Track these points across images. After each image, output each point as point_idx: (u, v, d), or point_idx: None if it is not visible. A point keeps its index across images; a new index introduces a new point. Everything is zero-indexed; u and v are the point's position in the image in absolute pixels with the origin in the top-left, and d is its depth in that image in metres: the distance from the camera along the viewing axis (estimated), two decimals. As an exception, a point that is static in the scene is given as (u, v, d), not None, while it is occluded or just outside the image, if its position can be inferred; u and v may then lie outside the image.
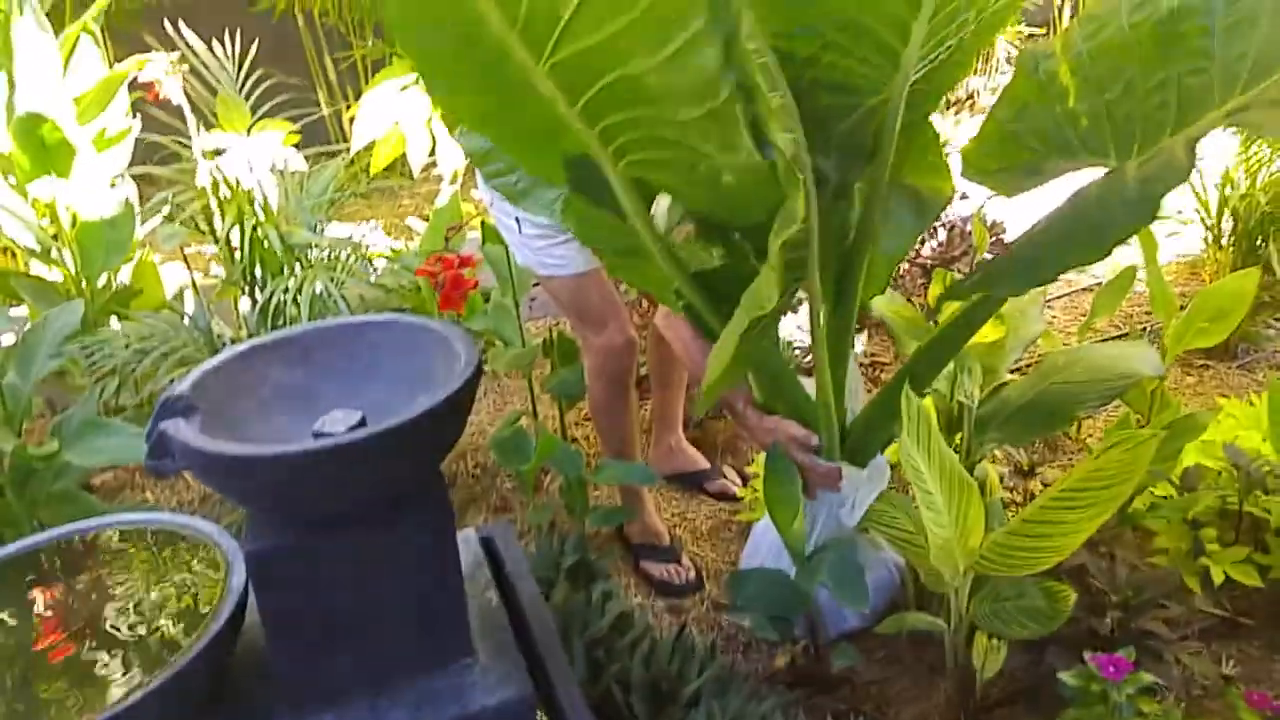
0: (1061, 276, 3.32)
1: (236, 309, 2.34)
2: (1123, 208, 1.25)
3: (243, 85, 2.89)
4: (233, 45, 2.84)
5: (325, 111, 4.01)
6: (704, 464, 2.34)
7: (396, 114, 3.14)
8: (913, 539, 1.50)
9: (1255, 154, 2.81)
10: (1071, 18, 4.89)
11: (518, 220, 1.82)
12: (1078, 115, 1.29)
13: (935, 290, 1.76)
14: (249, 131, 3.12)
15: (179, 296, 2.60)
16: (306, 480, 1.02)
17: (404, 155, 3.26)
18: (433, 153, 3.26)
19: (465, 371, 1.12)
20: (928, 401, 1.71)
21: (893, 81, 1.33)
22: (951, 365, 1.62)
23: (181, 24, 2.87)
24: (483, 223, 2.00)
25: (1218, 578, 1.66)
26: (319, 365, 1.23)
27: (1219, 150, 3.07)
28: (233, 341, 2.05)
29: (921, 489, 1.37)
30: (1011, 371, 1.87)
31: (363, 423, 1.11)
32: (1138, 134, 1.28)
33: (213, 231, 2.26)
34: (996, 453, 2.17)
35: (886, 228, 1.46)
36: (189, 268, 2.57)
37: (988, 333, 1.56)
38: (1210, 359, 2.73)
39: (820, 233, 1.33)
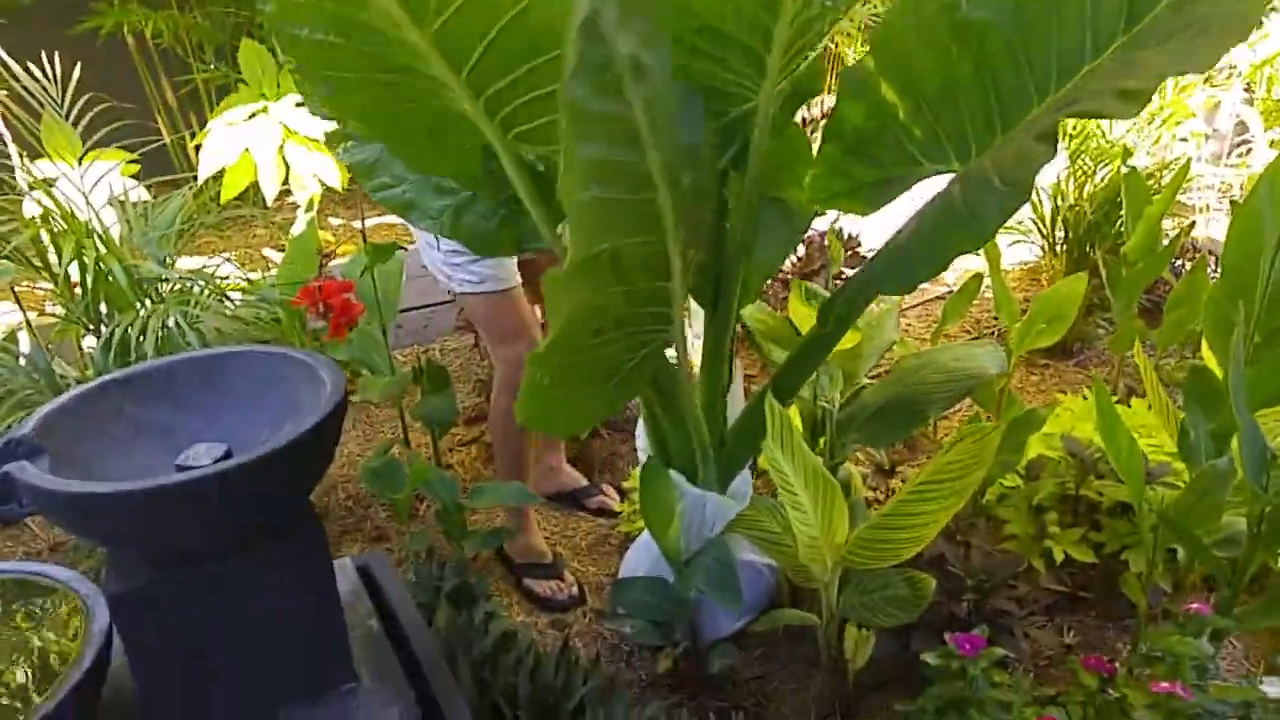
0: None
1: (80, 347, 2.25)
2: (993, 196, 1.36)
3: (70, 111, 2.77)
4: (54, 68, 2.71)
5: (166, 139, 3.88)
6: (583, 482, 2.40)
7: (247, 141, 3.08)
8: (780, 539, 1.59)
9: (1080, 165, 3.09)
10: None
11: (436, 237, 1.87)
12: (910, 128, 1.39)
13: (795, 302, 1.87)
14: (80, 160, 3.00)
15: (11, 337, 2.46)
16: (172, 515, 1.01)
17: (255, 184, 3.19)
18: (286, 181, 3.21)
19: (332, 398, 1.14)
20: (792, 409, 1.81)
21: (761, 89, 1.39)
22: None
23: (-4, 46, 2.74)
24: (369, 245, 2.00)
25: (1059, 557, 1.81)
26: (178, 399, 1.22)
27: (1050, 163, 3.35)
28: (78, 381, 1.97)
29: (788, 491, 1.46)
30: (870, 377, 2.00)
31: (228, 455, 1.11)
32: (971, 138, 1.37)
33: (47, 267, 2.16)
34: (859, 454, 2.31)
35: (760, 240, 1.54)
36: (21, 306, 2.45)
37: (845, 340, 1.67)
38: (1050, 358, 2.97)
39: (696, 242, 1.37)
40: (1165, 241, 2.50)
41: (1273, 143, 4.45)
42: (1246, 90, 4.46)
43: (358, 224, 4.30)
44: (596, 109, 1.01)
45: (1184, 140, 4.01)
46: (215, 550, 1.07)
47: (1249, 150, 4.53)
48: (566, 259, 1.13)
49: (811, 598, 1.67)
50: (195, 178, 3.17)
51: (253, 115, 3.19)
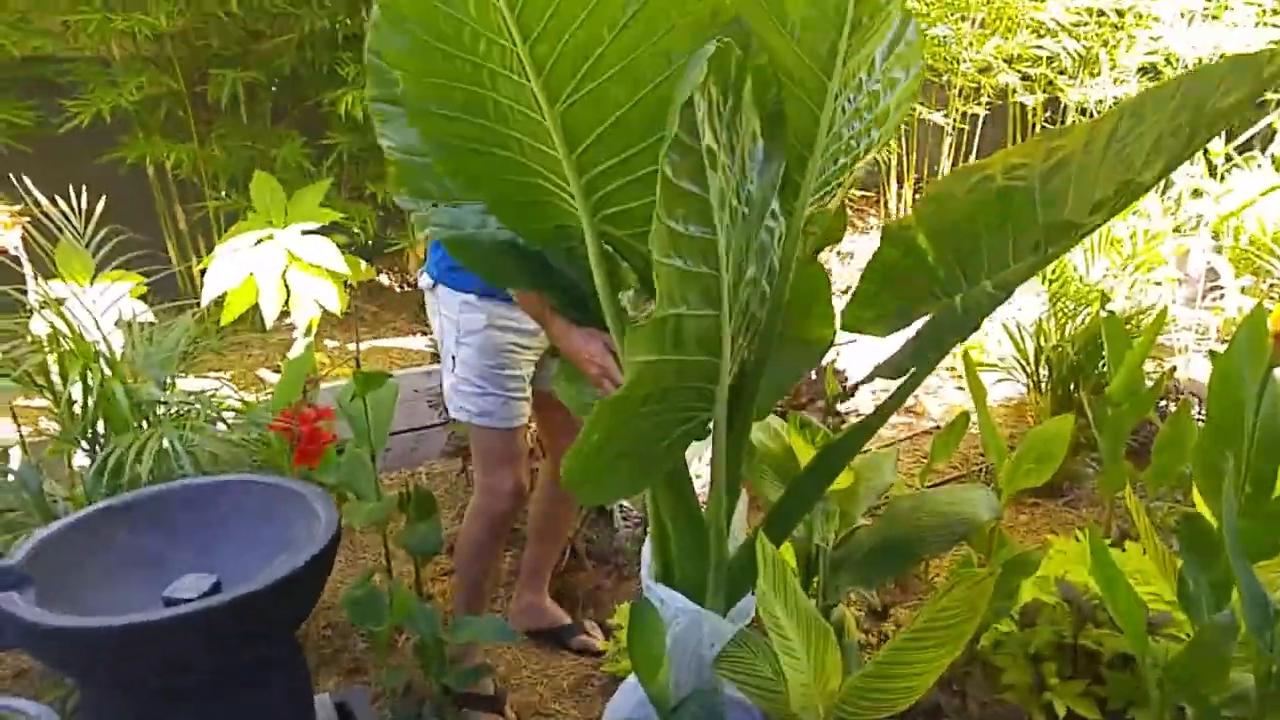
0: (902, 420, 3.53)
1: (71, 466, 2.22)
2: (986, 299, 1.51)
3: (90, 238, 2.83)
4: (77, 197, 2.80)
5: (177, 267, 3.96)
6: (565, 620, 2.34)
7: (251, 265, 3.13)
8: (771, 686, 1.53)
9: (1061, 306, 3.15)
10: (897, 182, 5.42)
11: (453, 359, 2.00)
12: (935, 269, 1.55)
13: (792, 433, 1.87)
14: (91, 282, 3.04)
15: (3, 454, 2.43)
16: (152, 652, 0.98)
17: (255, 307, 3.23)
18: (286, 304, 3.25)
19: (325, 534, 1.12)
20: (785, 549, 1.78)
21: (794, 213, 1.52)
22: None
23: (24, 175, 2.82)
24: (359, 374, 2.02)
25: (1060, 710, 1.75)
26: (170, 528, 1.20)
27: (1033, 304, 3.42)
28: (67, 501, 1.93)
29: (779, 636, 1.41)
30: (865, 516, 1.98)
31: (217, 587, 1.08)
32: (985, 274, 1.53)
33: (50, 386, 2.16)
34: (851, 595, 2.26)
35: (774, 368, 1.60)
36: (17, 424, 2.43)
37: (842, 480, 1.66)
38: (1039, 497, 2.96)
39: (746, 333, 1.47)
40: (1148, 383, 2.53)
41: (1243, 289, 4.58)
42: (1214, 239, 4.61)
43: (353, 346, 4.35)
44: (682, 185, 1.19)
45: (1158, 284, 4.12)
46: (196, 687, 1.03)
47: (1221, 294, 4.66)
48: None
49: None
50: (199, 301, 3.21)
51: (259, 241, 3.25)
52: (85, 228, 2.63)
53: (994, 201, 1.49)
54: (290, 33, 3.71)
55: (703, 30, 1.29)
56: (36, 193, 2.70)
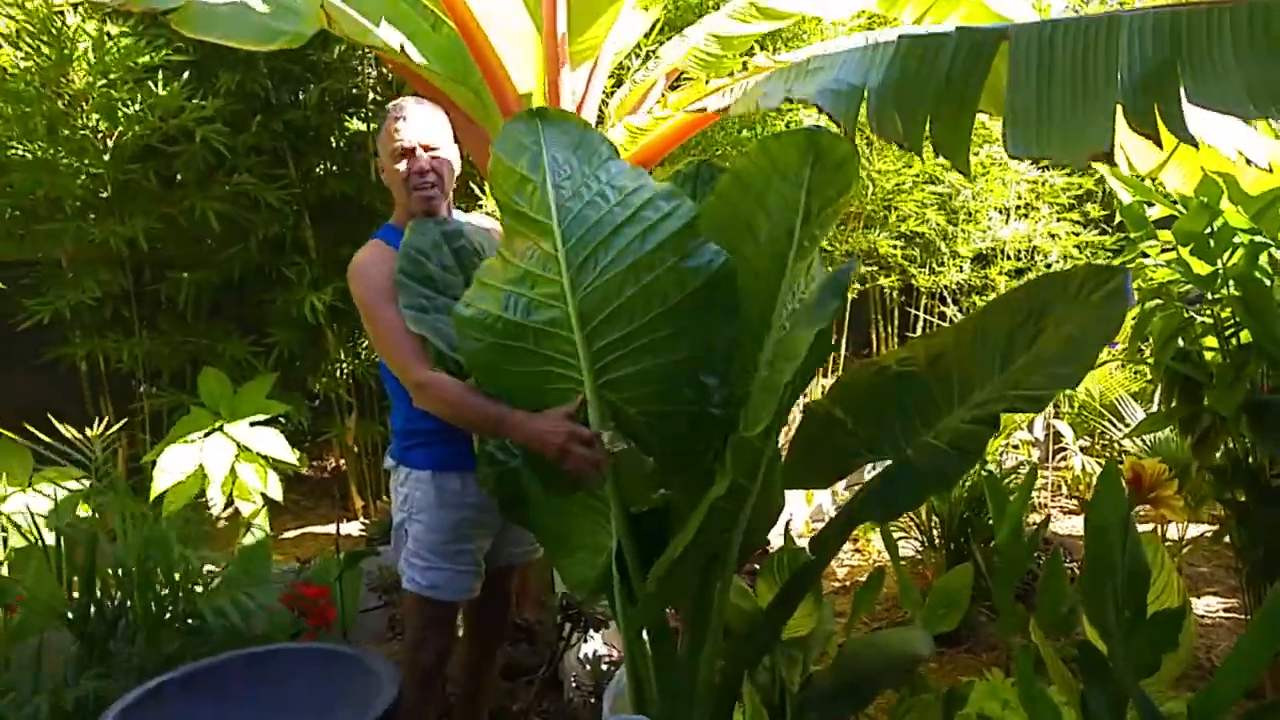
0: (827, 576, 3.69)
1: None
2: (951, 460, 1.76)
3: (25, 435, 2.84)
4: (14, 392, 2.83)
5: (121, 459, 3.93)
6: None
7: (202, 457, 3.16)
8: (758, 822, 1.64)
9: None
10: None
11: (406, 532, 2.09)
12: (854, 433, 1.82)
13: (762, 587, 2.07)
14: (30, 484, 3.02)
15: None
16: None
17: (201, 497, 3.24)
18: (230, 495, 3.27)
19: (390, 690, 1.22)
20: (751, 692, 1.92)
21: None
22: (768, 659, 1.88)
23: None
24: (346, 554, 2.11)
25: (996, 830, 1.90)
26: (234, 694, 1.27)
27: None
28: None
29: (765, 771, 1.55)
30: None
31: (292, 749, 1.16)
32: (900, 439, 1.81)
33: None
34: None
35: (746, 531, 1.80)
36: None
37: (801, 626, 1.83)
38: (942, 646, 3.17)
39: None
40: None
41: (1083, 449, 5.11)
42: (1055, 407, 5.17)
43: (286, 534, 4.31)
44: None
45: (1015, 448, 4.58)
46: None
47: (1064, 453, 5.18)
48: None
49: None
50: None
51: (209, 433, 3.29)
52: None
53: (893, 383, 1.83)
54: (242, 241, 3.88)
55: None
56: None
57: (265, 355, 3.99)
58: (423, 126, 2.08)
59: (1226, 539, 2.96)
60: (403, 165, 2.06)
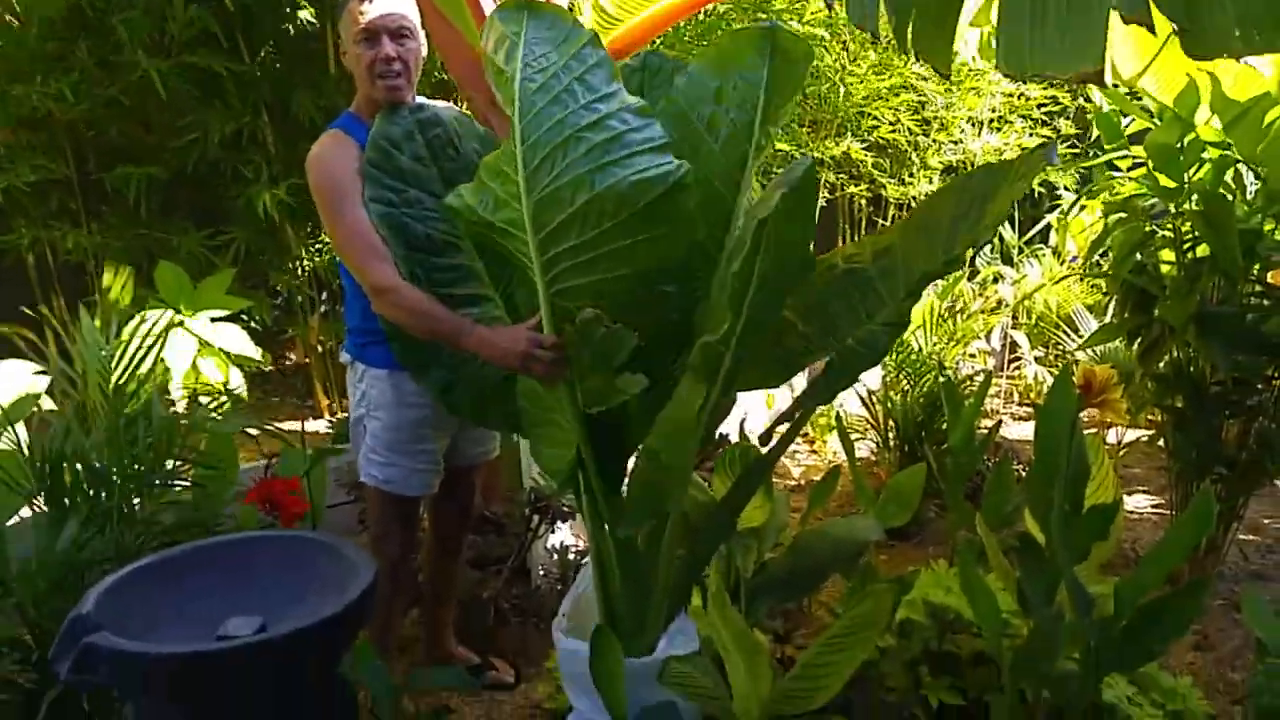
0: (782, 475, 3.81)
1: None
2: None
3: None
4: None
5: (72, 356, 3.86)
6: (475, 660, 2.48)
7: (162, 352, 3.13)
8: (711, 693, 1.74)
9: (904, 373, 3.57)
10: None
11: (364, 428, 2.11)
12: (805, 334, 1.81)
13: (718, 481, 2.12)
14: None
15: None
16: (238, 677, 1.10)
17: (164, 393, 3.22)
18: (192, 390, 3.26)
19: (366, 577, 1.26)
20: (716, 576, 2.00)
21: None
22: (724, 548, 1.96)
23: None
24: (315, 449, 2.13)
25: (933, 702, 2.03)
26: (203, 582, 1.30)
27: (874, 375, 3.84)
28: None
29: (721, 650, 1.63)
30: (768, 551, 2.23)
31: (263, 628, 1.20)
32: (844, 334, 1.82)
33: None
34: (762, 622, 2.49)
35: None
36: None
37: (755, 517, 1.90)
38: (895, 539, 3.31)
39: None
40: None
41: (1038, 359, 5.25)
42: (1013, 318, 5.28)
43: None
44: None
45: (973, 356, 4.68)
46: (259, 711, 1.15)
47: (1019, 362, 5.32)
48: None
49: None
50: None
51: (169, 328, 3.25)
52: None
53: (841, 281, 1.82)
54: (193, 132, 3.76)
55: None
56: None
57: (223, 251, 3.92)
58: (389, 8, 1.96)
59: (1161, 443, 3.10)
60: (367, 51, 1.95)
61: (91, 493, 1.91)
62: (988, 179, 1.70)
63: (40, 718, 1.31)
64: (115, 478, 1.93)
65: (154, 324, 3.19)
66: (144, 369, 3.14)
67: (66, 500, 1.87)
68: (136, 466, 1.99)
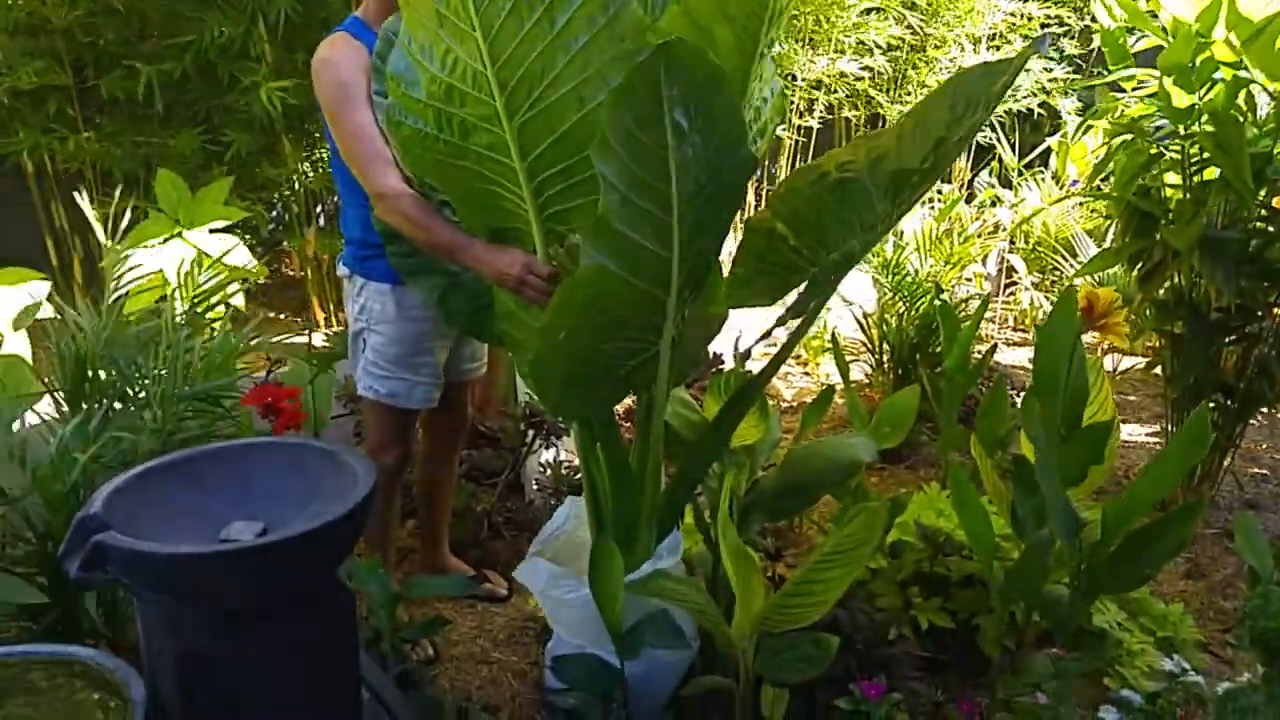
0: (775, 397, 3.78)
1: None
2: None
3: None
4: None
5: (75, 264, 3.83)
6: (469, 572, 2.48)
7: (161, 263, 3.08)
8: (703, 609, 1.75)
9: (900, 295, 3.51)
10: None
11: (364, 342, 2.09)
12: (797, 248, 1.71)
13: (709, 401, 2.09)
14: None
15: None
16: (243, 576, 1.09)
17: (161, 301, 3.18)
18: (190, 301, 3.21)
19: (365, 483, 1.24)
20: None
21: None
22: (717, 467, 1.95)
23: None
24: (315, 355, 2.11)
25: (923, 623, 2.05)
26: (209, 484, 1.28)
27: (872, 297, 3.80)
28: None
29: (714, 565, 1.63)
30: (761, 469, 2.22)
31: (264, 533, 1.19)
32: (835, 245, 1.71)
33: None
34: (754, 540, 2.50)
35: (684, 341, 1.77)
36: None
37: (749, 434, 1.87)
38: (886, 462, 3.30)
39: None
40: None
41: (1034, 284, 5.19)
42: (1010, 242, 5.20)
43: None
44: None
45: (968, 280, 4.63)
46: (261, 612, 1.14)
47: (1015, 287, 5.27)
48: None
49: (726, 664, 1.81)
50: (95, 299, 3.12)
51: (168, 239, 3.19)
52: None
53: (833, 190, 1.68)
54: (190, 34, 3.62)
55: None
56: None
57: (221, 155, 3.82)
58: None
59: (1158, 369, 3.08)
60: None
61: (120, 396, 1.89)
62: (982, 79, 1.57)
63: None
64: (144, 379, 1.90)
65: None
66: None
67: (94, 403, 1.84)
68: (161, 372, 1.95)
